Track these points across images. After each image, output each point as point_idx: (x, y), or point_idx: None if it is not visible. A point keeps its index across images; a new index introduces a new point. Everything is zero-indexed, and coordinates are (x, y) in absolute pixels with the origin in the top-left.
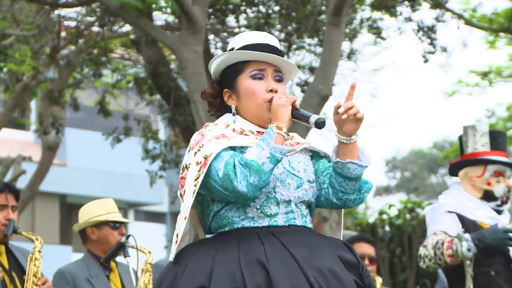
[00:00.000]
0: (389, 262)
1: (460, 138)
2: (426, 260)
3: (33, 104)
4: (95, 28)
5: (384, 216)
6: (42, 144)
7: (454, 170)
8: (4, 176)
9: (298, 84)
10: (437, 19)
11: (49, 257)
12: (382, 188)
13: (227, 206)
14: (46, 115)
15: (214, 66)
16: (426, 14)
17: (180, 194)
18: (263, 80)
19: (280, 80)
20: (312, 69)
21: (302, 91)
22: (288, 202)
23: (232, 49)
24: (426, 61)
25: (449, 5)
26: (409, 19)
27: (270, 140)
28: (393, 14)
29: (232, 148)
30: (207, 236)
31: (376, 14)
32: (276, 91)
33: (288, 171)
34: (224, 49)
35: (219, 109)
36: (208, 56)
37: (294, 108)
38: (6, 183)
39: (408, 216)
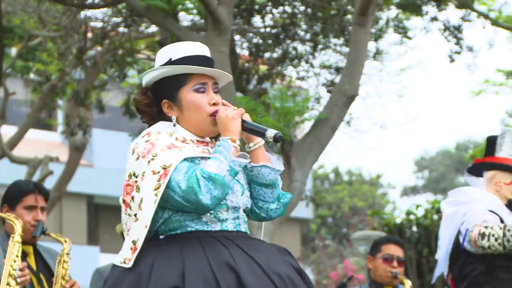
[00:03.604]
0: (417, 263)
1: (493, 138)
2: (491, 239)
3: (60, 105)
4: (121, 29)
5: (412, 217)
6: (69, 145)
7: (478, 169)
8: (32, 176)
9: (324, 84)
10: (463, 18)
11: (76, 257)
12: (409, 189)
13: (179, 212)
14: (73, 116)
15: (152, 76)
16: (452, 13)
17: (124, 200)
18: (205, 93)
19: (217, 92)
20: (338, 69)
21: (328, 91)
22: (235, 208)
23: (170, 59)
24: (452, 61)
25: (474, 5)
26: (435, 19)
27: (226, 153)
28: (419, 13)
29: (186, 159)
30: (161, 237)
31: (403, 14)
32: (218, 104)
33: (234, 178)
34: (250, 49)
35: (153, 118)
36: (234, 56)
37: (242, 120)
38: (36, 184)
39: (435, 216)
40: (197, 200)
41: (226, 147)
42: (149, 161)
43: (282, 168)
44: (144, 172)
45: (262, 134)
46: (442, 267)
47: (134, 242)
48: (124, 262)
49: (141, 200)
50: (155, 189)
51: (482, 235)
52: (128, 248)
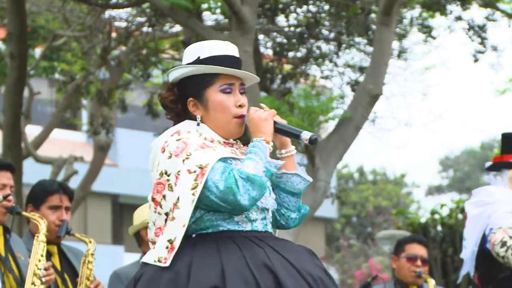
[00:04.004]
0: (442, 262)
1: (508, 135)
2: (509, 252)
3: (85, 104)
4: (145, 29)
5: (436, 216)
6: (94, 145)
7: (498, 167)
8: (56, 176)
9: (348, 84)
10: (488, 18)
11: (101, 257)
12: (434, 188)
13: (211, 212)
14: (96, 116)
15: (180, 73)
16: (476, 13)
17: (154, 198)
18: (231, 94)
19: (243, 92)
20: (362, 69)
21: (353, 90)
22: (264, 209)
23: (198, 58)
24: (476, 60)
25: (499, 4)
26: (459, 18)
27: (262, 154)
28: (443, 13)
29: (220, 159)
30: (193, 236)
31: (426, 13)
32: (244, 106)
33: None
34: (274, 48)
35: (178, 114)
36: (258, 56)
37: (274, 121)
38: (60, 184)
39: (460, 216)
40: (235, 200)
41: (260, 148)
42: (183, 160)
43: (311, 179)
44: (179, 171)
45: (296, 136)
46: (468, 267)
47: (170, 241)
48: (159, 261)
49: (178, 199)
50: (192, 189)
51: (503, 243)
52: (163, 247)
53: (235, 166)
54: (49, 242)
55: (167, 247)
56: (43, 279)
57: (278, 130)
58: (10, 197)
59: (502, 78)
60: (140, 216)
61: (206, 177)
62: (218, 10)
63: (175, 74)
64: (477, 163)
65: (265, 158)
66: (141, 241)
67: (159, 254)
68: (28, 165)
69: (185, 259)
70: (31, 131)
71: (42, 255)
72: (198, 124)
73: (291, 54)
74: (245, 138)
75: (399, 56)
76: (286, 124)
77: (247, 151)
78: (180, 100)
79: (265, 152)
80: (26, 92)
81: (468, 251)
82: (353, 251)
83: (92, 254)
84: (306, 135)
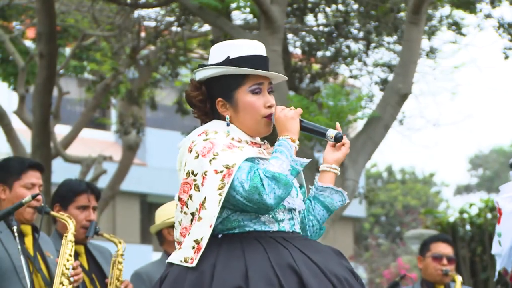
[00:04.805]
0: (470, 262)
1: None
2: None
3: (114, 104)
4: (174, 28)
5: (465, 215)
6: (123, 144)
7: None
8: (85, 175)
9: (377, 83)
10: None
11: (130, 256)
12: (463, 187)
13: (237, 212)
14: (126, 115)
15: (209, 73)
16: (506, 10)
17: (180, 198)
18: (260, 94)
19: (271, 91)
20: (391, 68)
21: (381, 89)
22: (291, 209)
23: (227, 58)
24: (506, 57)
25: None
26: (489, 16)
27: (287, 153)
28: (472, 11)
29: (247, 159)
30: (220, 236)
31: (456, 11)
32: (272, 106)
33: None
34: (303, 47)
35: (206, 113)
36: (286, 55)
37: (300, 120)
38: (88, 184)
39: (489, 215)
40: (261, 199)
41: (286, 147)
42: (210, 160)
43: (348, 201)
44: (206, 172)
45: (322, 134)
46: (504, 262)
47: (197, 242)
48: (186, 261)
49: (205, 200)
50: (219, 189)
51: None
52: (189, 247)
53: (262, 166)
54: (76, 242)
55: (193, 247)
56: (72, 279)
57: (304, 128)
58: (39, 197)
59: None
60: (162, 214)
61: (233, 177)
62: (247, 10)
63: (203, 74)
64: (507, 161)
65: (291, 157)
66: (163, 240)
67: (186, 254)
68: (57, 164)
69: (210, 259)
70: (60, 130)
71: (70, 255)
72: (227, 125)
73: (320, 53)
74: (272, 138)
75: (428, 55)
76: (312, 122)
77: (273, 150)
78: (208, 99)
79: (290, 150)
80: (55, 92)
81: (506, 246)
82: (382, 250)
83: (122, 255)
84: (331, 132)
